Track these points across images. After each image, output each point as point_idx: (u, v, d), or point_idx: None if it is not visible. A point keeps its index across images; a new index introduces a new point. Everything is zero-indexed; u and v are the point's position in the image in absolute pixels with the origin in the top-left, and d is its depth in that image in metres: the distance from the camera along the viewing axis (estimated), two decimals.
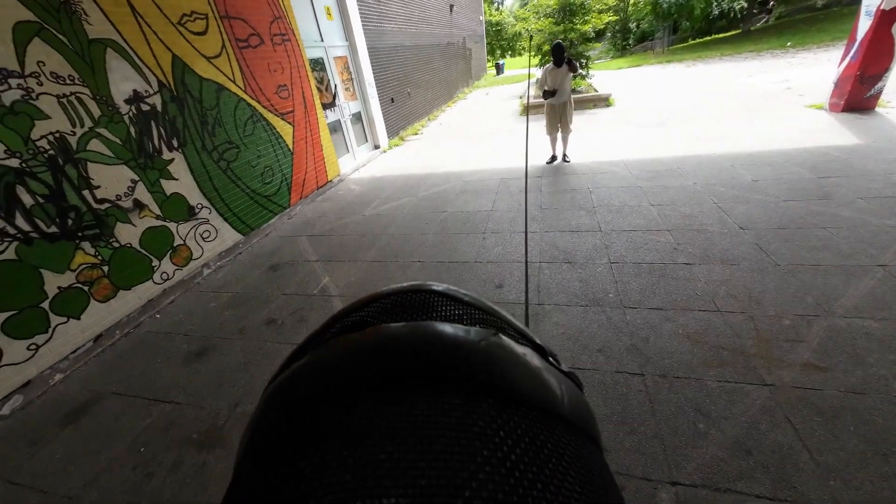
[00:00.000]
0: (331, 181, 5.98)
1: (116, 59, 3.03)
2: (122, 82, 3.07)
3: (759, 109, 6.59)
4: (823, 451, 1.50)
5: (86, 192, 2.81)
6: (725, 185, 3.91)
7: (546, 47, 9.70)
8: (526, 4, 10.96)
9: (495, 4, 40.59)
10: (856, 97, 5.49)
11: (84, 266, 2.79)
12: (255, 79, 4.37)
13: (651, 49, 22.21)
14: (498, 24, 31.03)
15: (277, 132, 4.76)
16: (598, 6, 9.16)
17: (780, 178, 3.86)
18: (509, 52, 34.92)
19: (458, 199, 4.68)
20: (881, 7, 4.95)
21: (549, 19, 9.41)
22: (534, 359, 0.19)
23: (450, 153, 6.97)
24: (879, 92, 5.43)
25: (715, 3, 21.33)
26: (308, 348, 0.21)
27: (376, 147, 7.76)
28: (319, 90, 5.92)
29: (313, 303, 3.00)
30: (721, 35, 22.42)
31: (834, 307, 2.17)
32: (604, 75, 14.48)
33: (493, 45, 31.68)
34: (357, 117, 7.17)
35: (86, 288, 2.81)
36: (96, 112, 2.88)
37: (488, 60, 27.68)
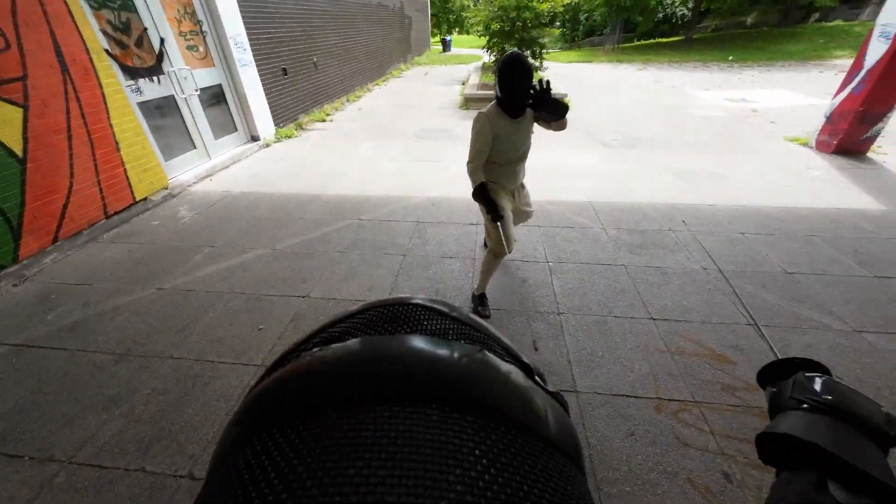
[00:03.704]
0: (144, 200, 3.65)
1: None
2: None
3: (736, 138, 5.52)
4: None
5: None
6: (750, 277, 2.53)
7: (494, 26, 7.86)
8: None
9: None
10: (851, 138, 4.54)
11: None
12: None
13: (601, 45, 21.47)
14: None
15: None
16: None
17: (821, 271, 2.57)
18: (457, 28, 32.32)
19: (338, 264, 2.77)
20: None
21: None
22: (518, 377, 0.19)
23: (358, 159, 4.93)
24: (876, 135, 4.54)
25: (660, 7, 21.15)
26: (290, 358, 0.21)
27: (254, 139, 5.41)
28: (120, 44, 3.47)
29: None
30: (665, 39, 22.46)
31: None
32: (556, 69, 13.10)
33: (439, 17, 28.86)
34: (215, 94, 4.75)
35: None
36: None
37: (433, 34, 25.07)
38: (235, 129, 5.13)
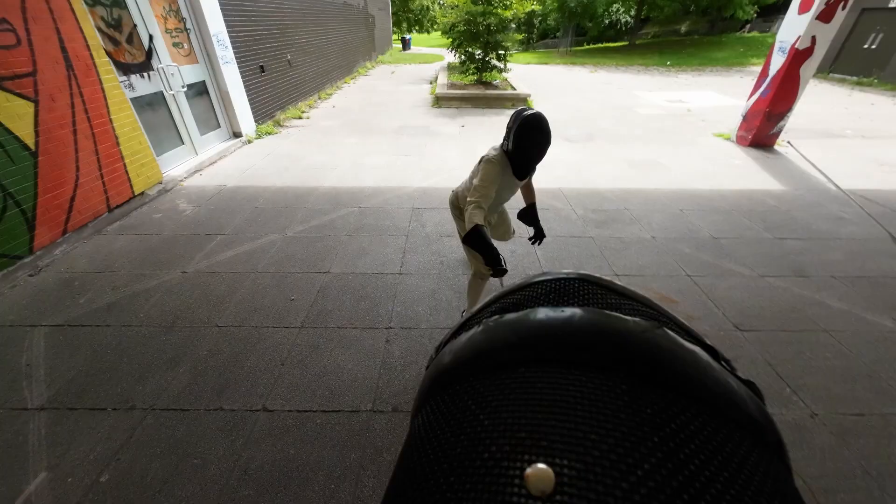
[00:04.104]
0: (142, 194, 3.73)
1: None
2: None
3: (674, 132, 6.41)
4: None
5: None
6: (687, 241, 3.19)
7: (461, 27, 8.34)
8: None
9: None
10: (762, 133, 5.51)
11: None
12: None
13: (555, 48, 22.73)
14: None
15: None
16: None
17: (738, 237, 3.29)
18: (416, 27, 32.58)
19: (350, 245, 3.11)
20: (795, 46, 4.86)
21: None
22: (705, 357, 0.18)
23: (343, 154, 5.20)
24: (780, 131, 5.54)
25: (607, 14, 22.77)
26: (473, 322, 0.22)
27: (236, 135, 5.50)
28: (113, 41, 3.54)
29: None
30: (612, 44, 24.18)
31: None
32: (517, 70, 13.86)
33: (399, 16, 28.96)
34: (199, 90, 4.82)
35: None
36: None
37: (394, 32, 25.19)
38: (219, 126, 5.20)
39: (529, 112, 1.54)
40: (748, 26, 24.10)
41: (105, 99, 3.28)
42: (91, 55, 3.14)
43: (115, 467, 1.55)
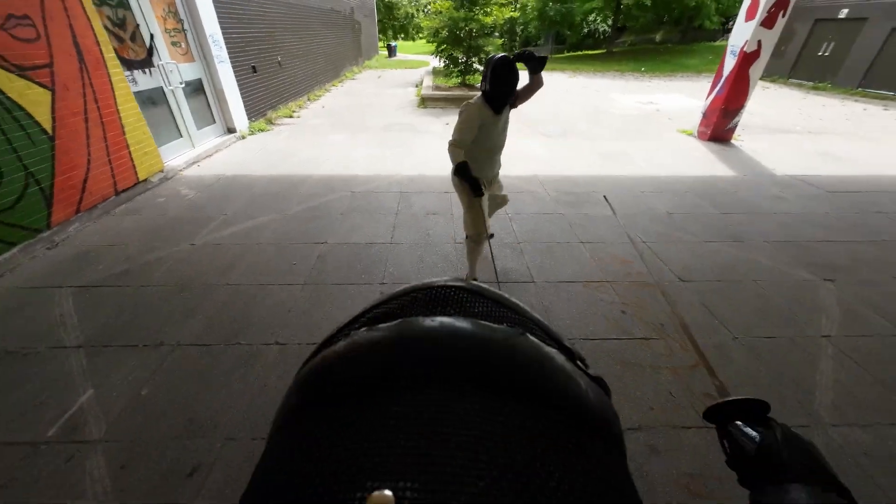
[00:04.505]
0: (145, 181, 3.97)
1: None
2: None
3: (642, 130, 6.93)
4: None
5: None
6: (645, 216, 3.62)
7: (444, 33, 8.79)
8: None
9: None
10: (719, 128, 6.06)
11: None
12: None
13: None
14: (390, 0, 28.95)
15: (11, 100, 2.69)
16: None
17: (689, 212, 3.73)
18: (402, 35, 33.19)
19: (343, 222, 3.42)
20: (744, 49, 5.43)
21: (450, 2, 8.49)
22: (559, 360, 0.19)
23: (334, 148, 5.51)
24: (735, 126, 6.10)
25: (585, 23, 23.75)
26: (339, 336, 0.22)
27: (230, 131, 5.76)
28: (118, 38, 3.80)
29: (46, 462, 1.47)
30: (590, 52, 25.17)
31: (819, 411, 1.78)
32: None
33: (384, 23, 29.51)
34: (196, 87, 5.08)
35: None
36: None
37: (380, 39, 25.66)
38: (214, 121, 5.46)
39: (498, 55, 1.89)
40: (721, 37, 25.46)
41: (113, 90, 3.53)
42: (100, 50, 3.40)
43: (153, 384, 1.83)
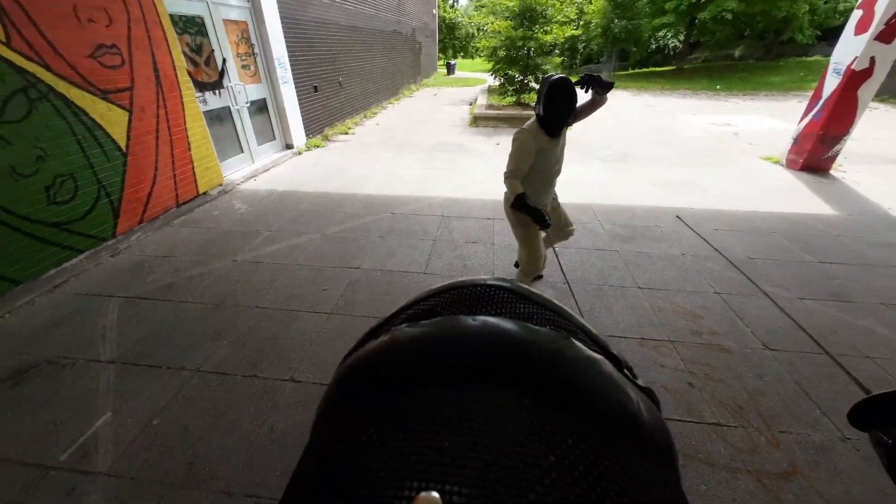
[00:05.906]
0: (204, 194, 4.22)
1: None
2: None
3: (716, 155, 6.21)
4: None
5: None
6: (718, 260, 3.10)
7: (502, 52, 8.69)
8: (483, 7, 9.84)
9: (450, 1, 39.46)
10: (815, 157, 5.22)
11: None
12: (38, 25, 2.56)
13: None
14: (452, 21, 29.87)
15: (94, 120, 2.97)
16: (559, 17, 8.36)
17: (776, 258, 3.15)
18: (461, 53, 34.01)
19: (380, 246, 3.33)
20: (852, 67, 4.65)
21: (508, 22, 8.40)
22: (607, 367, 0.18)
23: (381, 167, 5.55)
24: (836, 154, 5.22)
25: (653, 38, 22.55)
26: (382, 330, 0.22)
27: (288, 147, 6.05)
28: (193, 63, 4.13)
29: (48, 492, 1.45)
30: (658, 69, 23.81)
31: None
32: None
33: (445, 43, 30.47)
34: (260, 106, 5.41)
35: None
36: None
37: (440, 58, 26.44)
38: (274, 138, 5.77)
39: (555, 76, 1.76)
40: (811, 50, 22.84)
41: (183, 111, 3.81)
42: (176, 74, 3.70)
43: (166, 415, 1.79)
